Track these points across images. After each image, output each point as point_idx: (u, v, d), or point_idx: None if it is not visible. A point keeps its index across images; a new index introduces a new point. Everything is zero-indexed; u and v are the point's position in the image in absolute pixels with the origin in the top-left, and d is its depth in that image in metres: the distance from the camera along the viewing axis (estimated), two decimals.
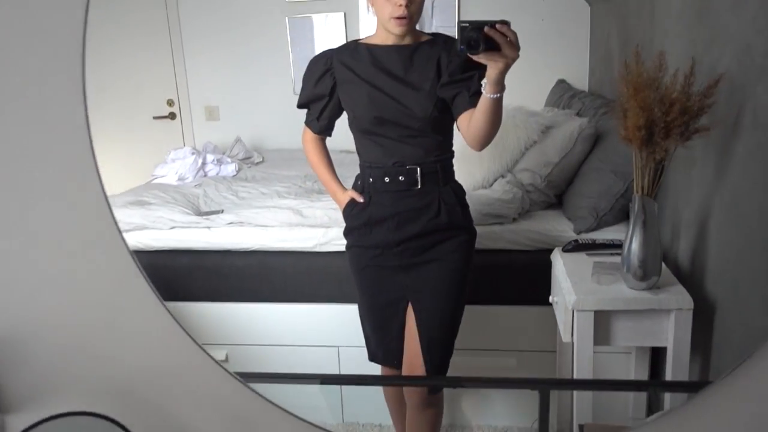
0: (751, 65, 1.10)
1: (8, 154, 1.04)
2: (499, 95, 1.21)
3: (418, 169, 1.38)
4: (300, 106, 1.48)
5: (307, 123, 1.50)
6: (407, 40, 1.36)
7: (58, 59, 0.99)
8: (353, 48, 1.41)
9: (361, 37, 1.43)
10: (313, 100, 1.46)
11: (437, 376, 1.47)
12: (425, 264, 1.43)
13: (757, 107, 1.09)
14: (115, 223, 1.03)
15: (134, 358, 1.11)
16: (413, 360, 1.45)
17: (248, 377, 1.04)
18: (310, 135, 1.51)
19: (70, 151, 1.02)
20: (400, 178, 1.39)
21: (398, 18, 1.30)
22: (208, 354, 1.08)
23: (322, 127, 1.48)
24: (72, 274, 1.09)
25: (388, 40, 1.36)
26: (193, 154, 1.86)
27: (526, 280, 1.54)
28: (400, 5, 1.28)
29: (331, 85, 1.42)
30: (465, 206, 1.44)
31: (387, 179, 1.40)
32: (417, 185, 1.39)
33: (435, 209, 1.40)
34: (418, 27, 1.37)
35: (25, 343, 1.10)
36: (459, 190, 1.44)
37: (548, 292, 1.45)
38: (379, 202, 1.42)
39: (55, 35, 0.98)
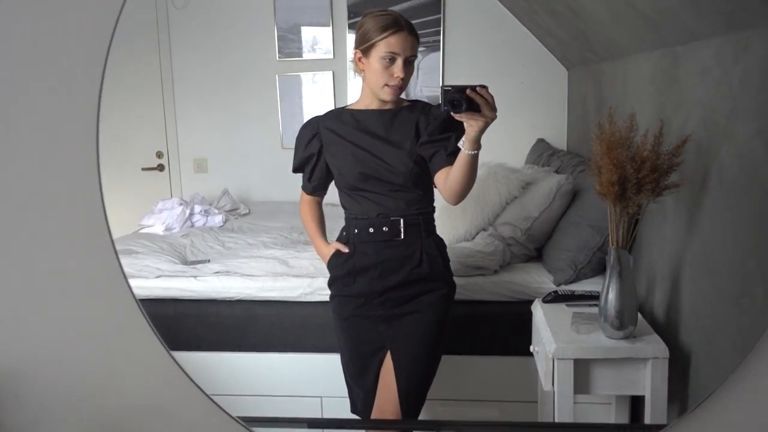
0: (715, 128, 1.18)
1: (22, 199, 1.08)
2: (476, 152, 1.29)
3: (402, 220, 1.43)
4: (294, 170, 1.55)
5: (303, 186, 1.57)
6: (389, 105, 1.45)
7: (74, 113, 1.04)
8: (338, 114, 1.49)
9: (347, 104, 1.51)
10: (304, 163, 1.52)
11: (416, 420, 1.47)
12: (406, 315, 1.46)
13: (722, 167, 1.16)
14: (121, 268, 1.06)
15: (132, 397, 1.12)
16: (384, 406, 1.46)
17: (249, 421, 1.05)
18: (306, 196, 1.57)
19: (80, 198, 1.06)
20: (384, 228, 1.43)
21: (392, 86, 1.38)
22: (212, 400, 1.09)
23: (313, 187, 1.54)
24: (74, 315, 1.12)
25: (372, 105, 1.45)
26: (180, 204, 1.88)
27: (507, 330, 1.57)
28: (398, 77, 1.37)
29: (318, 147, 1.49)
30: (446, 259, 1.48)
31: (371, 230, 1.44)
32: (400, 236, 1.43)
33: (417, 259, 1.44)
34: None
35: (24, 379, 1.11)
36: (440, 243, 1.48)
37: (529, 343, 1.47)
38: (363, 252, 1.46)
39: (72, 91, 1.04)
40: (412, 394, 1.45)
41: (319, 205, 1.58)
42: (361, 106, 1.47)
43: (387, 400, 1.45)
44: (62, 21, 1.03)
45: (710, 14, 1.16)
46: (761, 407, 1.01)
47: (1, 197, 1.09)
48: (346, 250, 1.47)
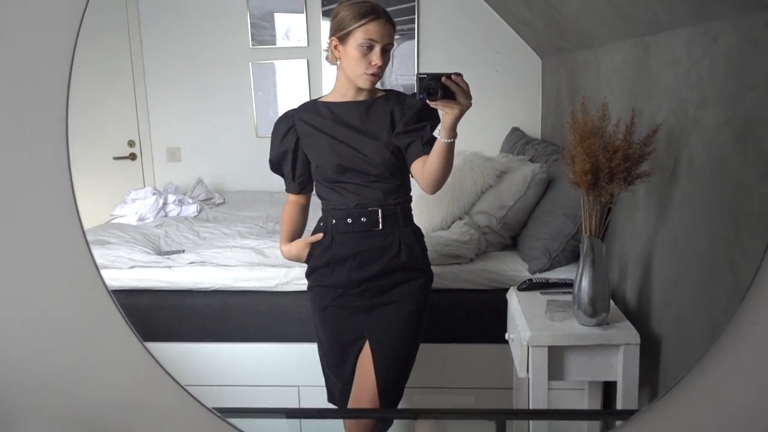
0: (685, 117, 1.20)
1: None
2: (452, 140, 1.29)
3: (380, 210, 1.43)
4: (272, 166, 1.53)
5: (287, 189, 1.54)
6: (364, 96, 1.44)
7: (43, 101, 1.01)
8: (312, 106, 1.48)
9: (322, 94, 1.49)
10: (281, 157, 1.50)
11: (395, 409, 1.49)
12: (385, 305, 1.46)
13: (692, 156, 1.18)
14: (92, 258, 1.04)
15: (106, 390, 1.11)
16: (361, 395, 1.47)
17: (224, 412, 1.05)
18: (293, 198, 1.55)
19: (49, 187, 1.04)
20: (362, 219, 1.43)
21: (369, 74, 1.37)
22: (187, 391, 1.09)
23: (299, 183, 1.52)
24: (45, 307, 1.10)
25: (347, 96, 1.44)
26: (154, 194, 1.85)
27: (483, 318, 1.59)
28: (376, 64, 1.36)
29: (295, 140, 1.47)
30: (423, 248, 1.49)
31: (349, 220, 1.44)
32: (378, 226, 1.43)
33: (396, 249, 1.44)
34: None
35: None
36: (418, 232, 1.49)
37: (504, 330, 1.49)
38: (341, 243, 1.46)
39: (40, 76, 1.01)
40: (391, 385, 1.46)
41: (305, 210, 1.55)
42: (336, 98, 1.46)
43: (364, 389, 1.46)
44: (28, 5, 1.00)
45: (679, 5, 1.18)
46: (728, 392, 1.04)
47: None
48: (320, 237, 1.47)
